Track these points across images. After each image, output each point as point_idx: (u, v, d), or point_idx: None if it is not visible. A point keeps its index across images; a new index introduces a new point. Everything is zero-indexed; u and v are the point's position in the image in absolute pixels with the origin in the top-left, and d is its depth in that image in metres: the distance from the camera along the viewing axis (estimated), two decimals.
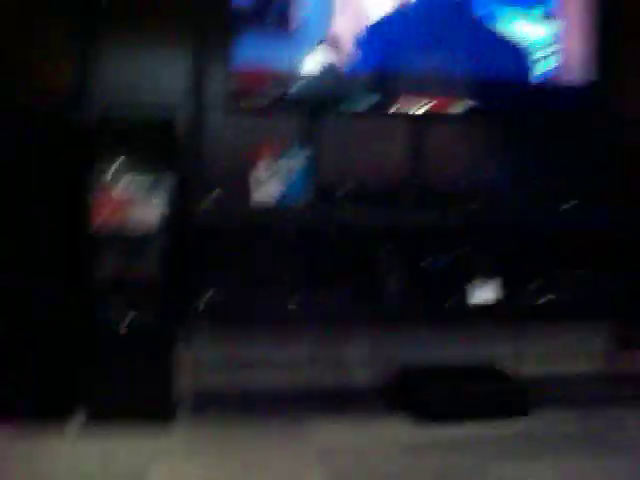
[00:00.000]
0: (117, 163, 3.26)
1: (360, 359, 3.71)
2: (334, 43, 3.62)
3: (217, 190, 3.25)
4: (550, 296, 3.52)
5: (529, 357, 3.83)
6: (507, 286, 3.40)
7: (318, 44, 3.60)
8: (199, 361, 3.50)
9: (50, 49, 3.52)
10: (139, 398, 3.18)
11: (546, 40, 3.86)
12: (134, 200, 3.23)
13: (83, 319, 3.20)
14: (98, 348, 3.20)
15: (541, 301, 3.50)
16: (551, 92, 3.85)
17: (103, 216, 3.19)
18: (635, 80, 3.98)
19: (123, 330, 3.19)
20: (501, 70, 3.83)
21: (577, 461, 2.90)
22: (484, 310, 3.34)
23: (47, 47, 3.51)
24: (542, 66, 3.86)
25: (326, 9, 3.62)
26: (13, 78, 3.46)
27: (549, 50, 3.86)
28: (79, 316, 3.22)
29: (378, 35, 3.71)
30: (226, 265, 3.41)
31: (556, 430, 3.23)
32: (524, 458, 2.94)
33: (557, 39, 3.85)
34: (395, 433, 3.18)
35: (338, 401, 3.53)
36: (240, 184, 3.43)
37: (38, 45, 3.51)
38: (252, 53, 3.55)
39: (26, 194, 3.25)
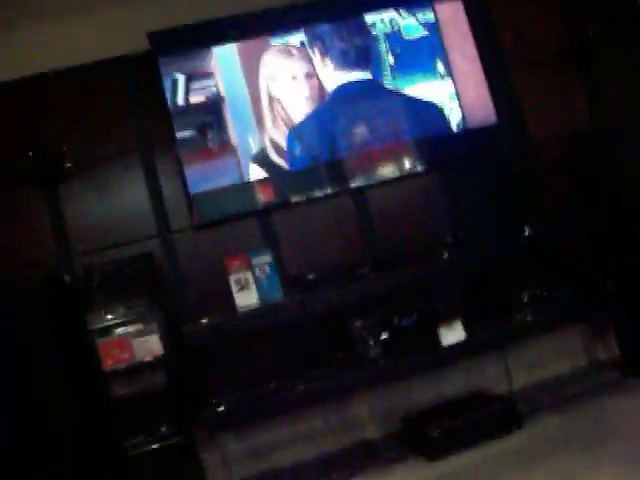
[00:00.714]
0: (110, 305, 3.59)
1: (364, 418, 4.06)
2: (270, 150, 4.10)
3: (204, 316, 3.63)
4: (519, 316, 3.90)
5: (516, 371, 4.22)
6: (475, 319, 3.78)
7: (256, 154, 4.08)
8: (227, 458, 3.82)
9: (28, 224, 3.95)
10: None
11: (448, 96, 4.35)
12: (134, 333, 3.54)
13: (108, 447, 3.48)
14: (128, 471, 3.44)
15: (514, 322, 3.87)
16: (465, 138, 4.33)
17: (110, 354, 3.49)
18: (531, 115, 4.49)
19: (150, 447, 3.45)
20: (421, 128, 4.32)
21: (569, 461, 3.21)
22: (461, 346, 3.71)
23: (25, 222, 3.95)
24: (451, 118, 4.34)
25: (254, 124, 4.10)
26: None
27: (452, 104, 4.34)
28: (104, 444, 3.49)
29: (310, 129, 4.19)
30: (227, 369, 3.79)
31: (549, 436, 3.55)
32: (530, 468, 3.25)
33: (457, 94, 4.35)
34: (412, 472, 3.53)
35: (358, 457, 3.83)
36: (220, 295, 3.83)
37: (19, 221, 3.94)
38: (204, 174, 4.02)
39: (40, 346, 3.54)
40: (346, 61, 4.27)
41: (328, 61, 4.25)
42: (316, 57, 4.24)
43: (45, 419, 3.48)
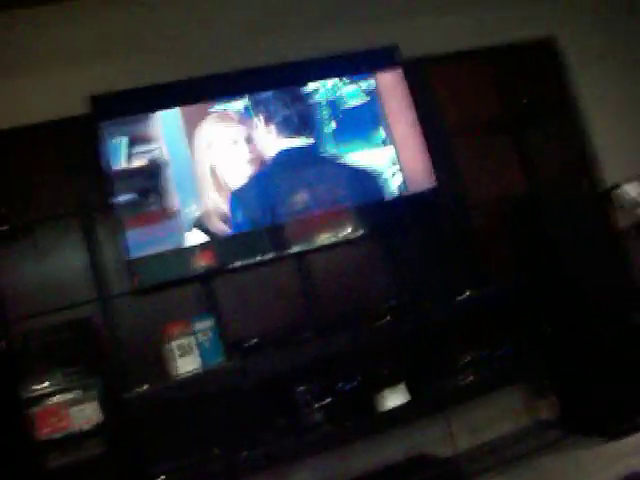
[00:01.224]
0: (47, 372, 3.50)
1: None
2: (210, 214, 4.11)
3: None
4: (460, 377, 3.94)
5: (459, 433, 4.25)
6: (418, 381, 3.81)
7: (197, 219, 4.09)
8: None
9: None
10: None
11: (389, 161, 4.46)
12: (72, 401, 3.45)
13: None
14: None
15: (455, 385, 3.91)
16: (405, 202, 4.43)
17: (45, 423, 3.39)
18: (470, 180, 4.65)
19: None
20: (362, 194, 4.40)
21: None
22: (404, 409, 3.72)
23: None
24: (391, 183, 4.45)
25: (195, 189, 4.12)
26: None
27: (393, 169, 4.45)
28: None
29: (251, 193, 4.22)
30: (168, 437, 3.70)
31: None
32: None
33: (398, 160, 4.47)
34: None
35: None
36: (160, 361, 3.78)
37: None
38: (144, 238, 4.00)
39: None
40: (288, 127, 4.34)
41: (272, 127, 4.32)
42: (260, 123, 4.30)
43: None
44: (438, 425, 4.19)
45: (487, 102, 4.85)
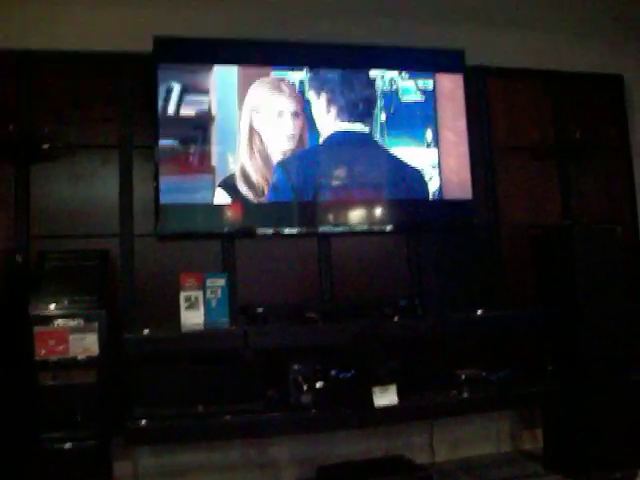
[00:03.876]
0: (56, 294, 3.53)
1: (283, 460, 4.07)
2: (245, 177, 4.13)
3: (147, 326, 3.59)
4: (454, 392, 3.93)
5: (440, 444, 4.26)
6: (410, 386, 3.81)
7: (231, 178, 4.11)
8: (138, 472, 3.80)
9: None
10: None
11: (430, 164, 4.45)
12: (73, 328, 3.46)
13: (23, 438, 3.38)
14: (38, 466, 3.34)
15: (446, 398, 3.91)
16: (438, 208, 4.43)
17: (45, 344, 3.41)
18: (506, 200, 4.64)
19: (64, 446, 3.37)
20: (401, 189, 4.40)
21: None
22: (391, 410, 3.72)
23: None
24: (430, 186, 4.44)
25: (235, 148, 4.14)
26: None
27: (432, 172, 4.44)
28: (19, 434, 3.40)
29: (297, 168, 4.24)
30: (159, 383, 3.73)
31: None
32: None
33: (439, 164, 4.45)
34: None
35: None
36: (167, 309, 3.81)
37: None
38: (178, 186, 4.03)
39: None
40: (350, 111, 4.34)
41: (332, 107, 4.32)
42: (320, 101, 4.30)
43: None
44: (422, 433, 4.20)
45: (540, 126, 4.81)
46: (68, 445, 3.39)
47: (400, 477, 3.77)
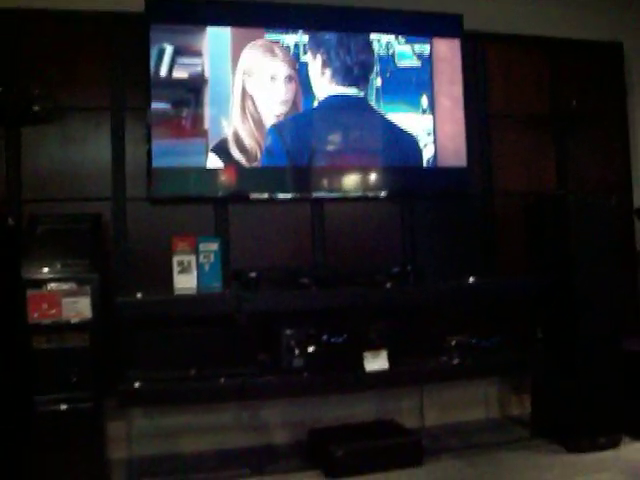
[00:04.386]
0: (48, 258, 3.53)
1: (275, 422, 4.13)
2: (238, 142, 4.10)
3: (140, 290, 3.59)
4: (444, 358, 3.97)
5: (429, 409, 4.32)
6: (401, 352, 3.85)
7: (224, 143, 4.08)
8: (131, 433, 3.83)
9: None
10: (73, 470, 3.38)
11: (425, 131, 4.42)
12: (66, 292, 3.47)
13: (18, 398, 3.41)
14: (34, 426, 3.38)
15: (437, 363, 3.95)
16: (432, 175, 4.41)
17: (38, 307, 3.42)
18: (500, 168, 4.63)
19: (60, 408, 3.41)
20: (395, 156, 4.38)
21: None
22: (382, 375, 3.76)
23: None
24: (425, 153, 4.42)
25: (228, 112, 4.10)
26: None
27: (427, 139, 4.42)
28: (14, 397, 3.43)
29: (291, 131, 4.20)
30: (152, 347, 3.76)
31: (445, 478, 3.65)
32: None
33: (434, 131, 4.43)
34: None
35: (259, 460, 3.87)
36: (160, 273, 3.82)
37: None
38: (170, 149, 4.00)
39: None
40: (346, 75, 4.30)
41: (327, 71, 4.27)
42: (315, 64, 4.25)
43: None
44: (412, 398, 4.26)
45: (536, 94, 4.78)
46: (63, 407, 3.41)
47: (390, 440, 3.83)
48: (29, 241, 3.61)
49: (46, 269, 3.48)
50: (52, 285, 3.46)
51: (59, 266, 3.50)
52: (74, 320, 3.46)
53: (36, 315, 3.41)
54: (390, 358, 3.72)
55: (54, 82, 3.94)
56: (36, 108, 3.87)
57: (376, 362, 3.70)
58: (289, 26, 4.23)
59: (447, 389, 4.36)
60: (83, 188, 3.98)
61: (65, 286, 3.48)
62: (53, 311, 3.45)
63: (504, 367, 4.16)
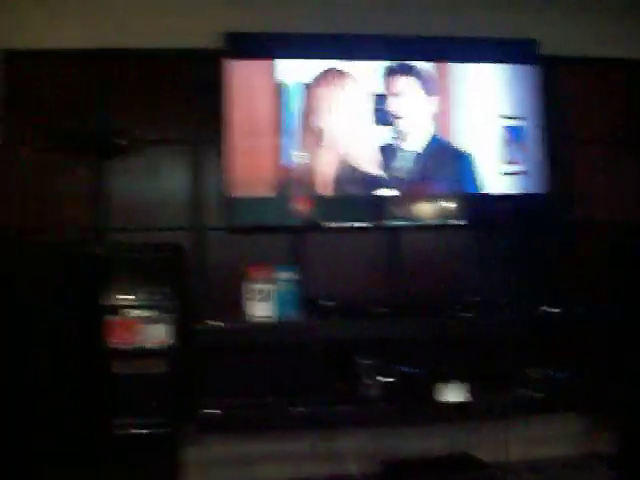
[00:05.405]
0: (131, 286, 3.64)
1: (349, 453, 4.06)
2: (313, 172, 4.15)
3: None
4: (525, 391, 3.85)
5: (511, 445, 4.17)
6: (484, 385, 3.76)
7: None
8: (208, 459, 3.87)
9: (69, 192, 4.04)
10: None
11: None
12: (147, 319, 3.60)
13: (97, 421, 3.51)
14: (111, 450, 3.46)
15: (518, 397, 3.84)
16: (511, 201, 4.33)
17: (117, 333, 3.55)
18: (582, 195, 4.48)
19: (141, 432, 3.49)
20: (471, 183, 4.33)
21: None
22: (460, 407, 3.69)
23: (67, 190, 4.04)
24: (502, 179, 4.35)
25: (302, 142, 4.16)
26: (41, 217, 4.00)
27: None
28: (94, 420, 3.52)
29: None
30: (228, 374, 3.82)
31: None
32: None
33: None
34: None
35: None
36: (237, 301, 3.87)
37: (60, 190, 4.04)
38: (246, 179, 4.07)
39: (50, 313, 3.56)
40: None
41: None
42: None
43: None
44: (489, 431, 4.13)
45: (616, 117, 4.62)
46: (142, 431, 3.49)
47: (467, 475, 3.74)
48: (113, 269, 3.71)
49: (129, 296, 3.59)
50: (134, 312, 3.57)
51: (141, 293, 3.61)
52: (154, 346, 3.55)
53: (116, 340, 3.51)
54: (467, 390, 3.64)
55: (138, 116, 4.11)
56: (124, 142, 4.02)
57: (455, 394, 3.63)
58: (371, 57, 4.27)
59: (529, 424, 4.20)
60: (163, 218, 4.11)
61: (146, 313, 3.58)
62: (134, 337, 3.55)
63: (583, 402, 3.99)
